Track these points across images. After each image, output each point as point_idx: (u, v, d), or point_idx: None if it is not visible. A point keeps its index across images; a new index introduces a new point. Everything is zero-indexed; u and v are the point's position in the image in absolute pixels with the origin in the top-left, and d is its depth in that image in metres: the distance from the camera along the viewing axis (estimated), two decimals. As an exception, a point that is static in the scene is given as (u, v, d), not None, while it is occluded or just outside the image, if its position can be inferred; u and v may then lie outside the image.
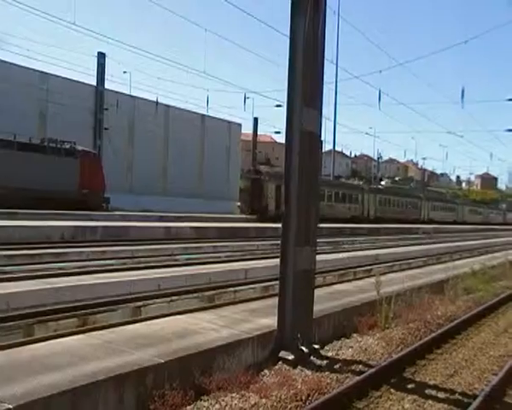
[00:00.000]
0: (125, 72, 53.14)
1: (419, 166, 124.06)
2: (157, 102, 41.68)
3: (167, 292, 10.11)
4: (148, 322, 7.23)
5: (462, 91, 34.28)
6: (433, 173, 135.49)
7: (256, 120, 55.17)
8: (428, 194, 78.79)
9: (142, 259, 14.61)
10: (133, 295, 9.46)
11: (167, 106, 43.07)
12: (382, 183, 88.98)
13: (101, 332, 6.48)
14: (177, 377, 5.35)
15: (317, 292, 9.80)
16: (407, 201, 63.69)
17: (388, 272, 14.68)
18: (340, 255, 18.73)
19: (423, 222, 60.42)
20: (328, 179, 52.29)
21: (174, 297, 9.72)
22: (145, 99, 41.50)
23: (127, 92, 41.71)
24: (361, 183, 67.00)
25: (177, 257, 15.64)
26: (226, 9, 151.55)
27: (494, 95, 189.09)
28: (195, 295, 10.24)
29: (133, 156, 39.03)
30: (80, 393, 4.48)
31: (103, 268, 11.97)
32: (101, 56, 37.97)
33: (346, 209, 49.31)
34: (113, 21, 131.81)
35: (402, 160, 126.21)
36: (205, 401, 5.40)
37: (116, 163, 36.48)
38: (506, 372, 7.02)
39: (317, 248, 19.49)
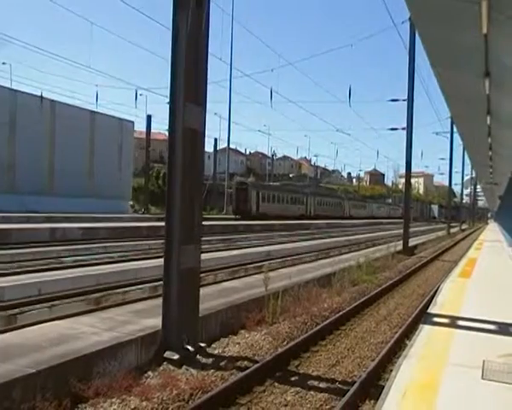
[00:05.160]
0: (4, 63, 49.67)
1: (312, 163, 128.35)
2: (41, 97, 39.39)
3: (49, 297, 9.57)
4: (23, 330, 6.79)
5: (349, 91, 35.90)
6: (325, 170, 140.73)
7: (149, 117, 54.13)
8: (348, 195, 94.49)
9: (24, 263, 13.74)
10: (7, 303, 8.82)
11: (53, 101, 40.87)
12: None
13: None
14: (50, 386, 5.06)
15: (206, 290, 9.82)
16: (335, 201, 78.20)
17: (279, 268, 14.96)
18: (233, 252, 18.84)
19: (346, 218, 72.79)
20: (283, 186, 69.18)
21: (56, 302, 9.21)
22: (28, 93, 39.08)
23: (7, 85, 39.18)
24: (306, 187, 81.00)
25: (64, 259, 14.89)
26: (112, 4, 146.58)
27: (378, 95, 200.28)
28: (81, 298, 9.79)
29: (15, 154, 36.49)
30: None
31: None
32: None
33: (296, 209, 61.49)
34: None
35: (295, 157, 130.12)
36: (82, 409, 5.16)
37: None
38: (382, 358, 7.42)
39: (211, 245, 19.27)
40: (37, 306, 8.95)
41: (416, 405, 4.59)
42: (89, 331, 6.71)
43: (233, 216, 51.09)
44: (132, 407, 5.21)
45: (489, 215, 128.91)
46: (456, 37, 8.84)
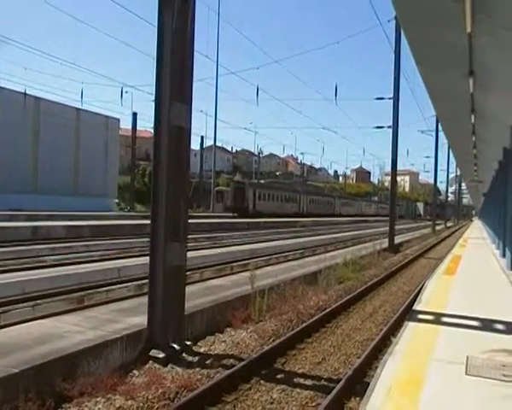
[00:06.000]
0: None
1: (298, 161, 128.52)
2: (25, 94, 38.97)
3: (32, 296, 9.46)
4: (6, 329, 6.70)
5: (336, 89, 36.02)
6: (311, 168, 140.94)
7: (135, 115, 53.91)
8: (339, 194, 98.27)
9: (4, 262, 13.53)
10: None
11: (37, 98, 40.44)
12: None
13: None
14: (34, 386, 5.00)
15: (192, 288, 9.80)
16: (326, 200, 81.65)
17: (265, 266, 14.95)
18: (219, 250, 18.80)
19: (336, 215, 75.58)
20: (278, 186, 72.08)
21: (39, 301, 9.11)
22: (11, 90, 38.57)
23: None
24: (298, 186, 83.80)
25: (45, 258, 14.74)
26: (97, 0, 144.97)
27: (364, 94, 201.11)
28: (64, 297, 9.69)
29: (-2, 152, 36.07)
30: None
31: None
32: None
33: (290, 207, 64.42)
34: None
35: (282, 155, 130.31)
36: (66, 408, 5.12)
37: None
38: (367, 355, 7.45)
39: (197, 243, 19.08)
40: (21, 305, 8.83)
41: (401, 401, 4.61)
42: (73, 330, 6.66)
43: (218, 214, 51.31)
44: (117, 405, 5.18)
45: (473, 213, 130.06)
46: (441, 36, 8.89)
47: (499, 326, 7.85)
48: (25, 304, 8.84)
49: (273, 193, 62.00)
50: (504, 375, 5.40)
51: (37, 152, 39.36)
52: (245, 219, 41.79)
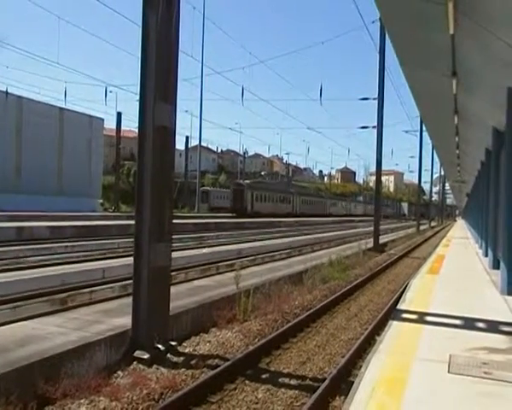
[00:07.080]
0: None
1: (284, 161, 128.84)
2: (7, 93, 38.51)
3: (13, 297, 9.35)
4: (-13, 332, 6.62)
5: (321, 89, 36.24)
6: (297, 168, 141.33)
7: (119, 114, 53.56)
8: (329, 195, 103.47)
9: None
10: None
11: (19, 97, 40.00)
12: None
13: None
14: (15, 389, 4.95)
15: (177, 288, 9.79)
16: (317, 200, 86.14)
17: (251, 266, 14.96)
18: (204, 250, 18.76)
19: (327, 215, 79.98)
20: (274, 188, 76.18)
21: (20, 303, 9.01)
22: (-8, 88, 38.18)
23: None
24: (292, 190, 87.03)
25: (28, 259, 14.59)
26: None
27: (349, 94, 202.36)
28: (46, 298, 9.59)
29: (-22, 151, 35.62)
30: None
31: None
32: None
33: (284, 208, 68.40)
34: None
35: (267, 155, 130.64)
36: (49, 411, 5.07)
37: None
38: (352, 354, 7.49)
39: (182, 244, 19.04)
40: (1, 307, 8.73)
41: (385, 399, 4.64)
42: (56, 332, 6.60)
43: (204, 214, 51.48)
44: (101, 407, 5.14)
45: (457, 213, 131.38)
46: (425, 37, 8.97)
47: (481, 325, 7.93)
48: (5, 306, 8.73)
49: (269, 194, 65.84)
50: (486, 372, 5.46)
51: (20, 152, 38.95)
52: (232, 220, 41.74)
